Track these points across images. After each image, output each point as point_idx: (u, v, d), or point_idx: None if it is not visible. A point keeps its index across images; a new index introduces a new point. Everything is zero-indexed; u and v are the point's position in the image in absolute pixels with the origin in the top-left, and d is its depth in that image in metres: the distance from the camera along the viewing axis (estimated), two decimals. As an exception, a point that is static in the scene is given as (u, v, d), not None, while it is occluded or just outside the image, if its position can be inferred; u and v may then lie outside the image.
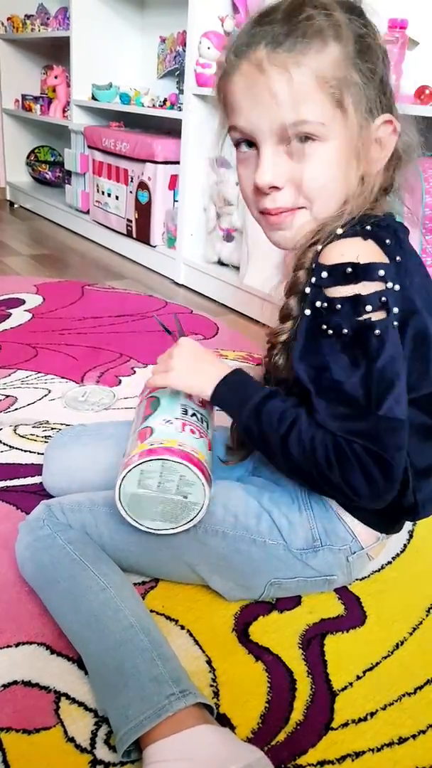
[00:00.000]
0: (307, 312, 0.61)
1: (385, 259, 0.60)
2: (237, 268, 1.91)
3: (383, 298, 0.58)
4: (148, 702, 0.57)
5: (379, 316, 0.58)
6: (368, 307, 0.58)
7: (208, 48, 1.84)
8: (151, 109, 2.22)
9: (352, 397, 0.59)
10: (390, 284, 0.58)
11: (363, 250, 0.59)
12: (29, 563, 0.74)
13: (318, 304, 0.60)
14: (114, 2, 2.51)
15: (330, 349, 0.60)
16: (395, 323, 0.59)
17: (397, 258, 0.60)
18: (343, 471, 0.59)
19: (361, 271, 0.58)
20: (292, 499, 0.71)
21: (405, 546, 0.89)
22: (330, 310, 0.59)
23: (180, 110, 2.02)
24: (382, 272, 0.58)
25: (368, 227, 0.61)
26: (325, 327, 0.60)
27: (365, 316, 0.58)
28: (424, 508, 0.69)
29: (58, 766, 0.58)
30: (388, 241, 0.61)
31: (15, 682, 0.65)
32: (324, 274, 0.59)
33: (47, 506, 0.76)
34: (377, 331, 0.58)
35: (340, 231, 0.60)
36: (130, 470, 0.65)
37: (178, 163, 2.06)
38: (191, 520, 0.68)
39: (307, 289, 0.61)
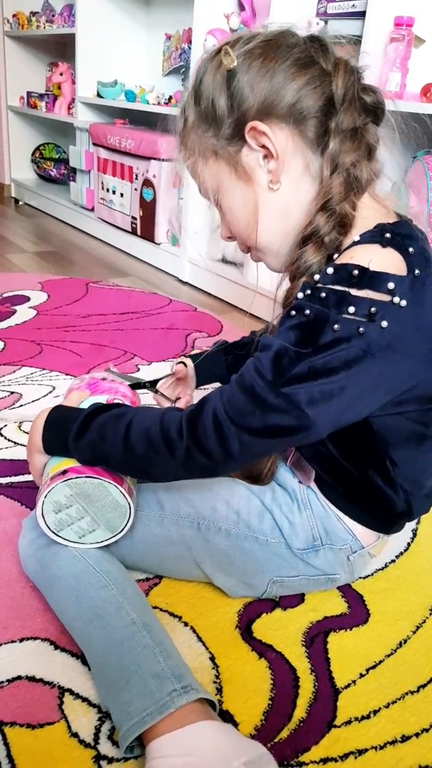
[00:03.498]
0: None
1: (403, 271, 0.57)
2: (241, 265, 1.91)
3: (372, 309, 0.54)
4: (150, 698, 0.58)
5: (355, 319, 0.55)
6: (351, 309, 0.55)
7: (214, 45, 1.84)
8: (156, 106, 2.22)
9: (274, 365, 0.57)
10: (397, 299, 0.55)
11: (378, 258, 0.56)
12: (32, 560, 0.74)
13: (300, 294, 0.58)
14: (119, -1, 2.51)
15: (286, 324, 0.58)
16: (365, 332, 0.55)
17: (416, 271, 0.57)
18: (194, 434, 0.59)
19: (369, 278, 0.55)
20: (292, 498, 0.71)
21: (408, 544, 0.89)
22: (308, 296, 0.57)
23: (185, 107, 2.02)
24: (391, 285, 0.55)
25: (388, 234, 0.57)
26: (292, 309, 0.58)
27: (343, 316, 0.55)
28: (419, 510, 0.70)
29: (62, 761, 0.58)
30: (411, 249, 0.57)
31: (19, 677, 0.65)
32: (329, 271, 0.57)
33: None
34: (336, 326, 0.55)
35: (357, 238, 0.58)
36: (42, 506, 0.68)
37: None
38: (127, 520, 0.69)
39: (300, 294, 0.59)
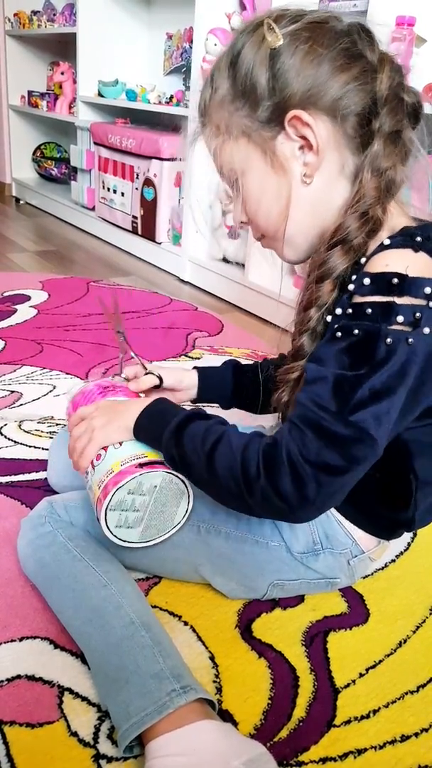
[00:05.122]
0: (329, 318, 0.59)
1: None
2: (242, 265, 1.91)
3: (417, 314, 0.53)
4: (149, 698, 0.58)
5: (403, 329, 0.54)
6: (399, 318, 0.53)
7: (215, 45, 1.84)
8: (158, 105, 2.22)
9: (334, 395, 0.54)
10: None
11: (413, 263, 0.54)
12: (31, 560, 0.74)
13: (339, 311, 0.57)
14: (121, -2, 2.51)
15: (334, 349, 0.56)
16: (414, 342, 0.54)
17: None
18: (270, 475, 0.55)
19: (408, 285, 0.54)
20: None
21: (408, 544, 0.89)
22: (352, 315, 0.56)
23: (186, 107, 2.02)
24: (428, 290, 0.53)
25: (419, 238, 0.56)
26: (338, 331, 0.56)
27: (393, 327, 0.53)
28: (421, 521, 0.69)
29: (62, 760, 0.58)
30: None
31: (19, 676, 0.65)
32: (366, 281, 0.55)
33: (49, 503, 0.76)
34: (389, 340, 0.53)
35: (387, 242, 0.56)
36: (126, 482, 0.64)
37: (182, 159, 2.05)
38: (186, 512, 0.69)
39: (338, 310, 0.58)
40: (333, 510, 0.70)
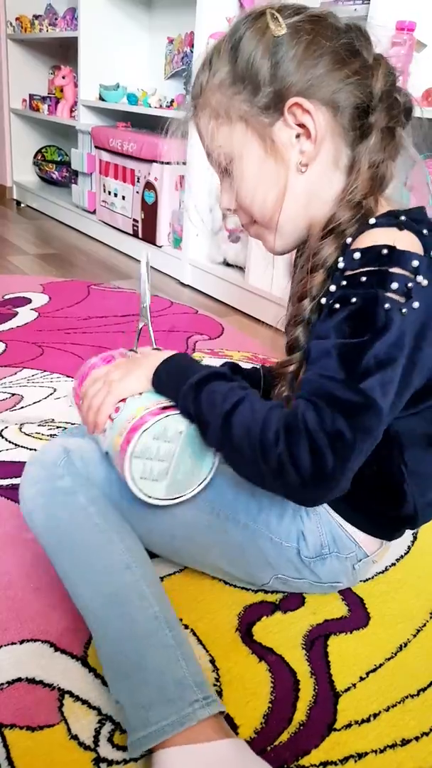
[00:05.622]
0: (323, 300, 0.59)
1: (420, 252, 0.57)
2: (242, 268, 1.91)
3: (409, 284, 0.55)
4: (172, 707, 0.56)
5: (398, 299, 0.55)
6: (394, 285, 0.54)
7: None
8: (159, 109, 2.23)
9: (341, 364, 0.54)
10: (420, 278, 0.55)
11: (400, 239, 0.57)
12: (40, 513, 0.66)
13: (333, 287, 0.58)
14: (122, 3, 2.52)
15: (333, 321, 0.56)
16: (407, 313, 0.55)
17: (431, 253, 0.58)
18: (289, 443, 0.53)
19: (397, 256, 0.55)
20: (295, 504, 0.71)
21: (409, 548, 0.89)
22: (347, 286, 0.56)
23: (187, 111, 2.03)
24: (416, 263, 0.55)
25: (402, 218, 0.58)
26: (335, 303, 0.57)
27: (388, 294, 0.54)
28: (423, 517, 0.69)
29: (62, 764, 0.58)
30: (425, 231, 0.58)
31: (19, 679, 0.65)
32: (356, 255, 0.57)
33: (65, 451, 0.69)
34: (387, 306, 0.54)
35: (373, 221, 0.58)
36: (149, 425, 0.61)
37: (184, 163, 2.06)
38: (211, 467, 0.66)
39: (332, 287, 0.58)
40: (335, 514, 0.70)
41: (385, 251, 0.56)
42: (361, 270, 0.56)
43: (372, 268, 0.56)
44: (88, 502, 0.66)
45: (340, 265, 0.58)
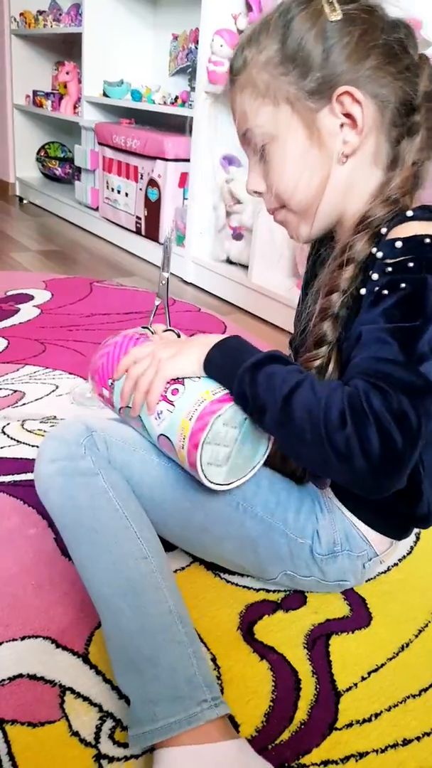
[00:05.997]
0: (363, 291, 0.58)
1: None
2: (246, 266, 1.91)
3: None
4: (180, 705, 0.56)
5: None
6: None
7: (221, 45, 1.84)
8: (163, 106, 2.22)
9: (398, 348, 0.54)
10: None
11: None
12: (58, 493, 0.64)
13: (376, 276, 0.57)
14: (127, -1, 2.52)
15: (381, 308, 0.56)
16: None
17: None
18: (357, 427, 0.51)
19: None
20: (314, 501, 0.70)
21: (412, 548, 0.89)
22: (393, 272, 0.56)
23: (191, 108, 2.02)
24: None
25: None
26: (383, 289, 0.56)
27: None
28: None
29: (63, 760, 0.58)
30: None
31: (20, 676, 0.65)
32: (398, 244, 0.56)
33: (88, 431, 0.66)
34: None
35: (410, 213, 0.58)
36: (222, 413, 0.60)
37: (188, 160, 2.06)
38: (264, 452, 0.65)
39: (375, 276, 0.57)
40: (348, 513, 0.70)
41: (428, 240, 0.56)
42: (406, 257, 0.56)
43: (416, 256, 0.56)
44: (109, 486, 0.64)
45: (379, 254, 0.58)
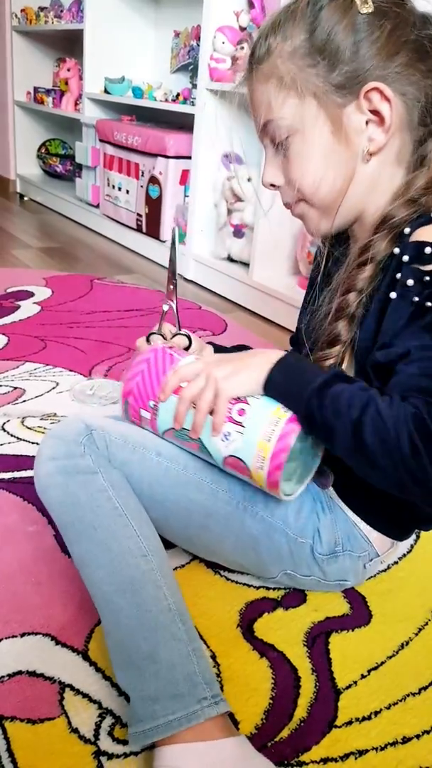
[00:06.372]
0: (393, 295, 0.57)
1: None
2: (247, 264, 1.91)
3: None
4: (180, 702, 0.55)
5: None
6: None
7: (223, 43, 1.84)
8: (164, 103, 2.22)
9: None
10: None
11: None
12: (58, 491, 0.64)
13: (411, 282, 0.56)
14: (128, -4, 2.51)
15: (427, 320, 0.55)
16: None
17: None
18: (429, 450, 0.50)
19: None
20: (315, 500, 0.70)
21: (412, 546, 0.89)
22: (429, 282, 0.55)
23: (193, 105, 2.02)
24: None
25: None
26: (422, 301, 0.55)
27: None
28: None
29: (62, 756, 0.58)
30: None
31: (20, 672, 0.65)
32: (428, 250, 0.55)
33: (88, 429, 0.66)
34: None
35: None
36: (298, 434, 0.60)
37: (189, 158, 2.05)
38: (315, 467, 0.66)
39: (398, 275, 0.57)
40: (350, 513, 0.70)
41: None
42: None
43: None
44: (108, 485, 0.64)
45: (404, 258, 0.56)
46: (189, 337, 0.76)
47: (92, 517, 0.62)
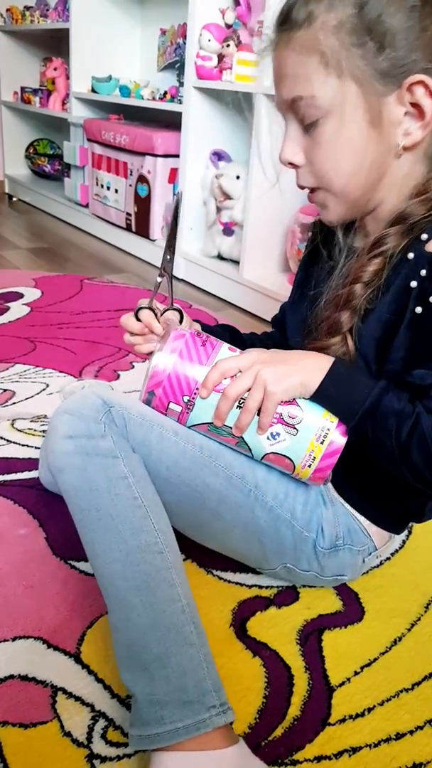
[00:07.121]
0: (419, 309, 0.56)
1: None
2: (237, 262, 1.91)
3: None
4: (189, 710, 0.54)
5: None
6: None
7: (209, 40, 1.83)
8: (151, 101, 2.21)
9: None
10: None
11: None
12: (74, 473, 0.60)
13: None
14: (114, -6, 2.50)
15: None
16: None
17: None
18: None
19: None
20: (318, 493, 0.70)
21: (404, 542, 0.89)
22: None
23: (180, 103, 2.01)
24: None
25: None
26: None
27: None
28: (430, 513, 0.70)
29: (55, 760, 0.57)
30: None
31: (12, 677, 0.65)
32: None
33: (106, 405, 0.62)
34: None
35: None
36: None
37: (177, 156, 2.05)
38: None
39: (413, 283, 0.56)
40: (349, 506, 0.70)
41: None
42: None
43: None
44: (129, 472, 0.61)
45: (422, 272, 0.56)
46: (181, 312, 0.73)
47: (110, 505, 0.59)
